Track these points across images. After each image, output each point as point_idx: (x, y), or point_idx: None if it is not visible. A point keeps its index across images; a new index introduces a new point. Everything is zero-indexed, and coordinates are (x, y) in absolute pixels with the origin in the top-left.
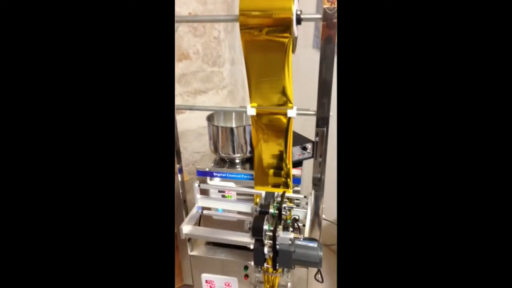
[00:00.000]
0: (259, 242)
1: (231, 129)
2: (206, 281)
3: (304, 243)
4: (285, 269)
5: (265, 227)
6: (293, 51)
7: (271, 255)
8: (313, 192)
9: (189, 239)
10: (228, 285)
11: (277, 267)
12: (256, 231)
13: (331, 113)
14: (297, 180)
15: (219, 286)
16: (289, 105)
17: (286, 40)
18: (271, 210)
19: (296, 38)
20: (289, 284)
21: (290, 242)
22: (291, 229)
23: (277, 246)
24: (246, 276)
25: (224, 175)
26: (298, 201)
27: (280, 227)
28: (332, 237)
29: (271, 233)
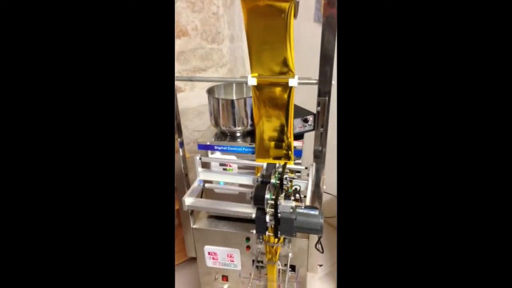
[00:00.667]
0: (261, 211)
1: (232, 101)
2: (209, 253)
3: (305, 211)
4: (286, 240)
5: (267, 195)
6: (295, 16)
7: (272, 224)
8: (314, 164)
9: (192, 213)
10: (231, 256)
11: (278, 235)
12: (258, 200)
13: (333, 82)
14: (298, 152)
15: (221, 257)
16: (291, 74)
17: (287, 4)
18: (273, 180)
19: (298, 2)
20: (290, 255)
21: (291, 210)
22: (292, 198)
23: (279, 214)
24: (248, 247)
25: (225, 148)
26: (299, 173)
27: (282, 196)
28: (333, 210)
29: (272, 202)
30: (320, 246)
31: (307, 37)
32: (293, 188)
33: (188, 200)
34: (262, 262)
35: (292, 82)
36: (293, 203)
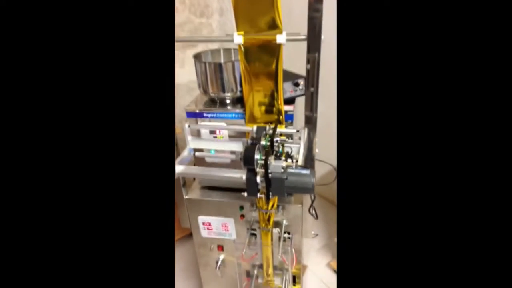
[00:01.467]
0: (251, 172)
1: (219, 65)
2: (203, 223)
3: (296, 170)
4: (280, 206)
5: (257, 156)
6: None
7: (264, 186)
8: (305, 128)
9: (184, 184)
10: (225, 226)
11: (270, 197)
12: (248, 160)
13: (322, 37)
14: (289, 117)
15: (216, 227)
16: (278, 30)
17: None
18: (263, 142)
19: None
20: (284, 221)
21: (282, 170)
22: (283, 158)
23: (269, 175)
24: (242, 216)
25: (214, 115)
26: (291, 138)
27: (272, 156)
28: (325, 177)
29: (262, 162)
30: (314, 211)
31: None
32: (285, 152)
33: (178, 168)
34: (255, 230)
35: (280, 38)
36: (284, 163)
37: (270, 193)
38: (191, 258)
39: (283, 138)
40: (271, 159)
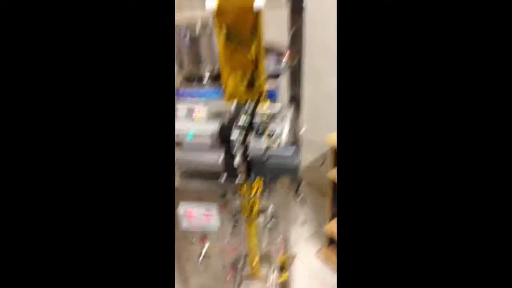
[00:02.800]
0: (229, 154)
1: (195, 37)
2: (184, 213)
3: (279, 151)
4: (266, 192)
5: (234, 135)
6: None
7: (243, 169)
8: (291, 106)
9: None
10: (207, 215)
11: (251, 181)
12: (223, 139)
13: (305, 4)
14: (272, 94)
15: (197, 218)
16: None
17: None
18: (242, 120)
19: None
20: (270, 208)
21: (263, 150)
22: (264, 138)
23: (249, 156)
24: (225, 203)
25: (191, 93)
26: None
27: (252, 136)
28: (313, 162)
29: (241, 143)
30: (301, 195)
31: None
32: (268, 131)
33: None
34: (239, 218)
35: (258, 2)
36: (265, 143)
37: (250, 177)
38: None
39: (265, 117)
40: (250, 138)
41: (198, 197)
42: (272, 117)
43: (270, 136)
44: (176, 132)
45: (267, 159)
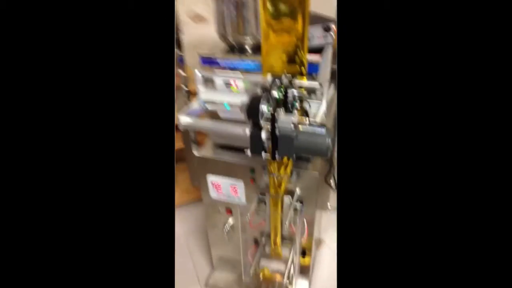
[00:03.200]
0: (256, 127)
1: (238, 2)
2: (212, 184)
3: (309, 128)
4: (294, 172)
5: (263, 107)
6: None
7: (270, 144)
8: (331, 83)
9: (196, 141)
10: (234, 189)
11: (276, 157)
12: (251, 111)
13: None
14: (314, 68)
15: (225, 189)
16: None
17: None
18: (275, 93)
19: None
20: (297, 190)
21: (292, 126)
22: (296, 113)
23: (277, 131)
24: (253, 179)
25: (231, 63)
26: (313, 96)
27: (282, 109)
28: None
29: (270, 116)
30: (333, 181)
31: None
32: (304, 108)
33: (184, 119)
34: (265, 195)
35: None
36: (296, 119)
37: (277, 153)
38: (202, 221)
39: (303, 92)
40: (281, 112)
41: (228, 169)
42: (309, 93)
43: (304, 112)
44: (211, 102)
45: (296, 136)
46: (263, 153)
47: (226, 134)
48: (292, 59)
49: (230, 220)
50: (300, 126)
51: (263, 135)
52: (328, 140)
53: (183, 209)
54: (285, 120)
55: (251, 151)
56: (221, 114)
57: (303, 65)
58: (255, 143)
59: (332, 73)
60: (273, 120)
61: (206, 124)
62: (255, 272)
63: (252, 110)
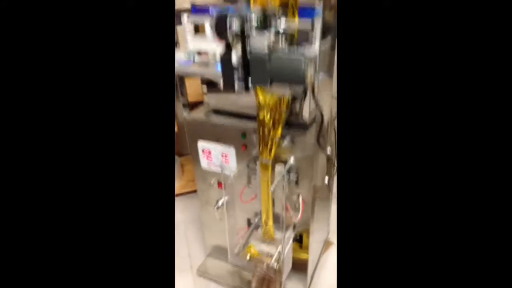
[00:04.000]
0: (227, 49)
1: None
2: (203, 151)
3: (285, 51)
4: (288, 137)
5: (233, 25)
6: None
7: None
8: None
9: (188, 106)
10: (225, 156)
11: (249, 85)
12: (218, 25)
13: None
14: (309, 13)
15: (216, 157)
16: None
17: None
18: (253, 16)
19: None
20: (291, 159)
21: (266, 48)
22: (272, 31)
23: (249, 55)
24: (244, 146)
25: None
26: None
27: (255, 27)
28: None
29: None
30: (321, 140)
31: None
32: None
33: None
34: (256, 165)
35: None
36: (271, 39)
37: (250, 81)
38: (197, 213)
39: (291, 31)
40: (253, 31)
41: (218, 133)
42: (301, 37)
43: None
44: (200, 51)
45: (269, 59)
46: (235, 83)
47: (213, 75)
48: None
49: (222, 199)
50: (274, 48)
51: (234, 57)
52: (304, 65)
53: (187, 198)
54: (258, 40)
55: (224, 82)
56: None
57: (295, 6)
58: (226, 70)
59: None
60: (243, 38)
61: (194, 69)
62: (241, 251)
63: (219, 26)
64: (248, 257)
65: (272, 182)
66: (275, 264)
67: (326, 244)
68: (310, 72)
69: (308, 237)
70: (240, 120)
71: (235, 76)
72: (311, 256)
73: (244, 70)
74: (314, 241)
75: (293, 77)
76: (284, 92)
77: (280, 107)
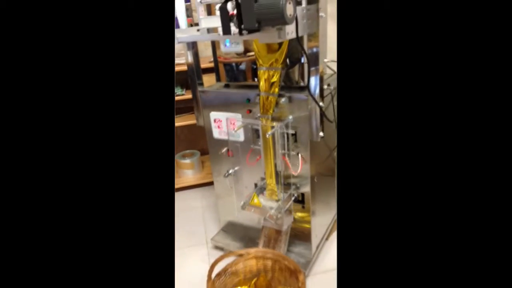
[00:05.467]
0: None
1: None
2: (215, 120)
3: None
4: (287, 98)
5: None
6: None
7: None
8: None
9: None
10: (233, 123)
11: (242, 30)
12: None
13: None
14: None
15: (225, 125)
16: None
17: None
18: None
19: None
20: (290, 117)
21: None
22: None
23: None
24: (249, 110)
25: None
26: None
27: None
28: None
29: None
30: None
31: None
32: None
33: (179, 35)
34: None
35: None
36: None
37: (243, 27)
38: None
39: None
40: None
41: (227, 101)
42: None
43: None
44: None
45: (255, 1)
46: (232, 28)
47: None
48: None
49: (232, 169)
50: None
51: (229, 6)
52: (283, 2)
53: (206, 188)
54: None
55: (222, 29)
56: (222, 49)
57: None
58: (224, 17)
59: None
60: None
61: (202, 37)
62: (247, 205)
63: None
64: (252, 210)
65: (273, 140)
66: (277, 214)
67: (335, 223)
68: (289, 11)
69: (310, 199)
70: (245, 90)
71: (231, 24)
72: (314, 222)
73: (238, 18)
74: (317, 208)
75: (274, 15)
76: (273, 38)
77: (276, 63)
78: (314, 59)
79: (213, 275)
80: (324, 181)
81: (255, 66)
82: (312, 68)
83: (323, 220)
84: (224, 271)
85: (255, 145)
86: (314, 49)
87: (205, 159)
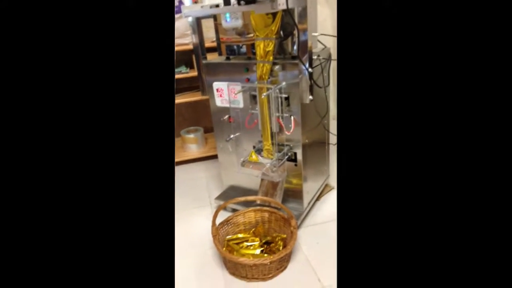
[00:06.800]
0: None
1: None
2: (217, 90)
3: None
4: (280, 66)
5: None
6: None
7: None
8: None
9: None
10: (234, 91)
11: (240, 1)
12: None
13: None
14: None
15: (226, 93)
16: None
17: None
18: None
19: None
20: (283, 83)
21: None
22: None
23: None
24: (248, 79)
25: None
26: None
27: None
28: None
29: None
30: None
31: None
32: None
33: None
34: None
35: None
36: None
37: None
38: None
39: None
40: None
41: (227, 70)
42: None
43: None
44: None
45: None
46: (231, 1)
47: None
48: None
49: (233, 135)
50: None
51: None
52: None
53: (210, 161)
54: None
55: (224, 2)
56: (223, 24)
57: None
58: None
59: None
60: None
61: (204, 11)
62: (245, 162)
63: None
64: (251, 166)
65: (269, 104)
66: (272, 168)
67: (326, 187)
68: None
69: (301, 160)
70: (244, 61)
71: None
72: (306, 182)
73: None
74: (308, 169)
75: None
76: (267, 9)
77: (270, 33)
78: (303, 31)
79: (217, 223)
80: (316, 147)
81: (253, 50)
82: (302, 39)
83: (314, 182)
84: (226, 221)
85: (253, 110)
86: (304, 24)
87: (208, 136)
